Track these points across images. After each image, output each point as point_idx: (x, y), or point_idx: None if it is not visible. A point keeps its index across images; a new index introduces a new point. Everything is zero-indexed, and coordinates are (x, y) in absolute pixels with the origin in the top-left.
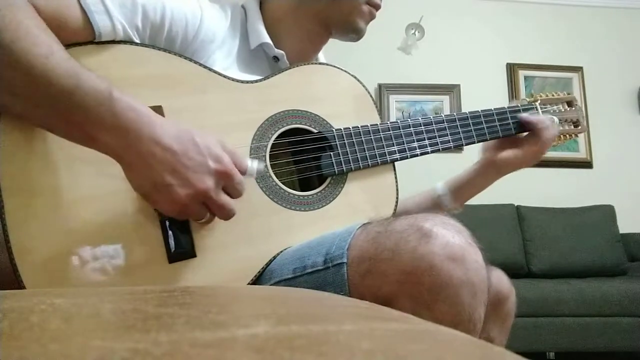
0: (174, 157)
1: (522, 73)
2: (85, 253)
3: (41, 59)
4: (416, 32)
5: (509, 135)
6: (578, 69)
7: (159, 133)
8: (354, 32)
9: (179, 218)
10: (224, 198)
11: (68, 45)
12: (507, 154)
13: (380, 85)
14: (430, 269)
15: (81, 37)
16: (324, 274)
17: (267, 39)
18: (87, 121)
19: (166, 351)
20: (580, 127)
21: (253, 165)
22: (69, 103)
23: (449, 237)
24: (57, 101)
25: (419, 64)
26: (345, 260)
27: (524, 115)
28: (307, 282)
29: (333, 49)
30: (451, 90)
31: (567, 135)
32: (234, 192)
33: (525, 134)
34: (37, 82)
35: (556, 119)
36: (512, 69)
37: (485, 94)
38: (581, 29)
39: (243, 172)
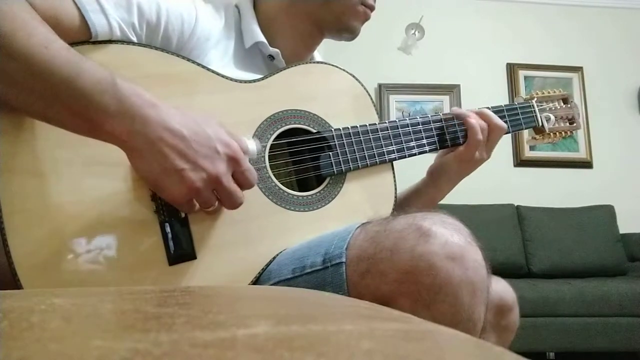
0: (183, 141)
1: (522, 73)
2: (85, 255)
3: (40, 48)
4: (416, 32)
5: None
6: (578, 69)
7: (166, 118)
8: (347, 32)
9: (186, 207)
10: (233, 185)
11: None
12: (444, 157)
13: (380, 85)
14: (429, 269)
15: (77, 36)
16: (323, 273)
17: (261, 38)
18: (91, 109)
19: (166, 351)
20: (575, 124)
21: (253, 146)
22: (72, 91)
23: (448, 236)
24: (59, 90)
25: (419, 64)
26: (344, 260)
27: (455, 109)
28: (306, 282)
29: (333, 49)
30: (451, 90)
31: (564, 132)
32: (242, 178)
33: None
34: (37, 71)
35: (552, 117)
36: (512, 69)
37: (485, 94)
38: (581, 29)
39: (245, 153)
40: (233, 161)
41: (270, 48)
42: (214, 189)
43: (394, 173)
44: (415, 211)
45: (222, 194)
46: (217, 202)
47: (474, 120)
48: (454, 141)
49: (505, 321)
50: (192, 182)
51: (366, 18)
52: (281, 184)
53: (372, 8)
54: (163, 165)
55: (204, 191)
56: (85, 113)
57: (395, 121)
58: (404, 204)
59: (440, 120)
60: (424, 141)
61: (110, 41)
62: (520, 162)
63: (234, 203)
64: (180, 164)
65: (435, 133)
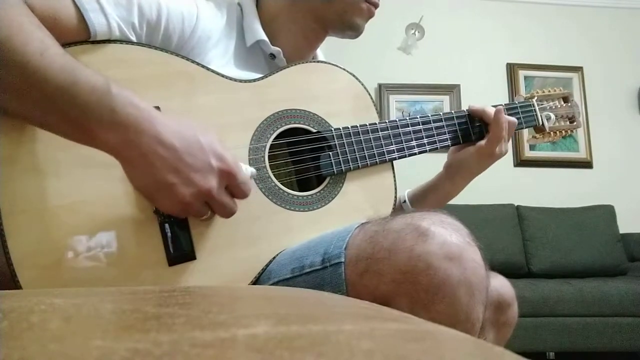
0: (176, 155)
1: (522, 73)
2: (84, 256)
3: (36, 55)
4: (416, 32)
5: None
6: (578, 69)
7: (160, 130)
8: (351, 30)
9: (180, 216)
10: (226, 197)
11: (63, 45)
12: (462, 152)
13: (380, 85)
14: (427, 269)
15: (76, 36)
16: (322, 273)
17: (263, 37)
18: (85, 118)
19: (166, 351)
20: (575, 123)
21: (247, 171)
22: (66, 100)
23: (447, 235)
24: (54, 98)
25: (419, 64)
26: (342, 260)
27: (473, 105)
28: (305, 282)
29: (333, 48)
30: (451, 90)
31: (564, 131)
32: (236, 191)
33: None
34: (32, 79)
35: (553, 115)
36: (512, 69)
37: (485, 94)
38: (581, 28)
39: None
40: (227, 175)
41: (272, 47)
42: (206, 201)
43: (394, 172)
44: (413, 211)
45: (214, 206)
46: (210, 212)
47: (502, 117)
48: (454, 140)
49: (504, 317)
50: (183, 196)
51: (370, 15)
52: (281, 183)
53: (375, 5)
54: (155, 178)
55: (195, 204)
56: (80, 122)
57: (396, 120)
58: (420, 199)
59: (441, 120)
60: (424, 140)
61: (109, 41)
62: (521, 162)
63: (226, 214)
64: (171, 178)
65: (435, 132)
